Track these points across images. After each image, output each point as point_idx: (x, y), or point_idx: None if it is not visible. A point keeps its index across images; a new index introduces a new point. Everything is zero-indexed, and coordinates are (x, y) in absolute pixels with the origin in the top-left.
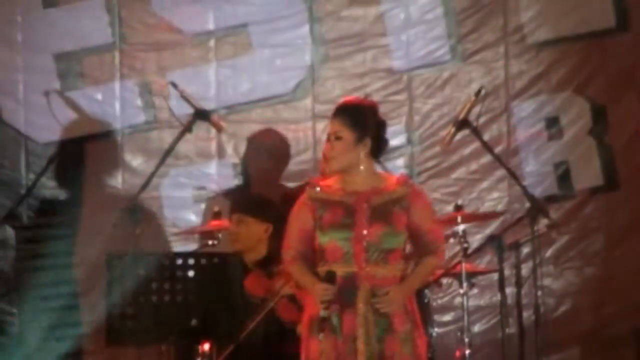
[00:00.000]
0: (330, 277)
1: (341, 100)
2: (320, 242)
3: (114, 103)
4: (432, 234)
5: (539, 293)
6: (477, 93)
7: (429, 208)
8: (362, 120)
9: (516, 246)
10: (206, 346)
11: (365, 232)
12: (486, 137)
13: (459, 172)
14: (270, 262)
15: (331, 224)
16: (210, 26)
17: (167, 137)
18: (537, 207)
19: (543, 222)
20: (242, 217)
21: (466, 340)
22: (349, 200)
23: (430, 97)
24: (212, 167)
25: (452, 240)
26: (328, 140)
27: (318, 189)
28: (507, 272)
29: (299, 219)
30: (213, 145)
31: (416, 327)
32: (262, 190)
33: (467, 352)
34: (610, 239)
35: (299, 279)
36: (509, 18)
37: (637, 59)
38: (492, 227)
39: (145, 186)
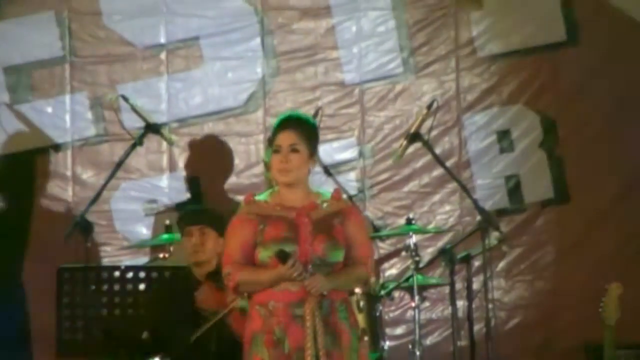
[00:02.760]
0: (284, 256)
1: (287, 112)
2: (262, 257)
3: (64, 116)
4: (362, 248)
5: (490, 306)
6: (429, 106)
7: (362, 224)
8: (315, 136)
9: (467, 259)
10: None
11: (309, 246)
12: (438, 150)
13: (411, 185)
14: (220, 275)
15: (274, 238)
16: (162, 39)
17: (118, 150)
18: (488, 221)
19: (494, 236)
20: (205, 228)
21: (417, 353)
22: (289, 215)
23: (382, 110)
24: (164, 181)
25: (404, 253)
26: (278, 151)
27: (255, 203)
28: (458, 285)
29: (240, 234)
30: (164, 159)
31: (359, 339)
32: (211, 202)
33: None
34: (561, 252)
35: (256, 278)
36: (460, 31)
37: (587, 72)
38: (443, 240)
39: (95, 199)
